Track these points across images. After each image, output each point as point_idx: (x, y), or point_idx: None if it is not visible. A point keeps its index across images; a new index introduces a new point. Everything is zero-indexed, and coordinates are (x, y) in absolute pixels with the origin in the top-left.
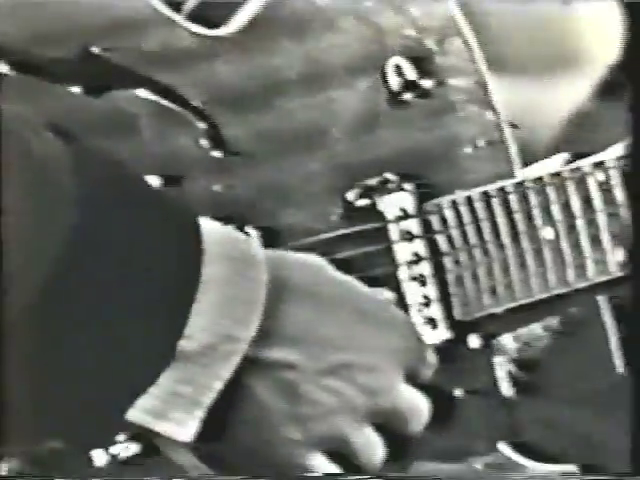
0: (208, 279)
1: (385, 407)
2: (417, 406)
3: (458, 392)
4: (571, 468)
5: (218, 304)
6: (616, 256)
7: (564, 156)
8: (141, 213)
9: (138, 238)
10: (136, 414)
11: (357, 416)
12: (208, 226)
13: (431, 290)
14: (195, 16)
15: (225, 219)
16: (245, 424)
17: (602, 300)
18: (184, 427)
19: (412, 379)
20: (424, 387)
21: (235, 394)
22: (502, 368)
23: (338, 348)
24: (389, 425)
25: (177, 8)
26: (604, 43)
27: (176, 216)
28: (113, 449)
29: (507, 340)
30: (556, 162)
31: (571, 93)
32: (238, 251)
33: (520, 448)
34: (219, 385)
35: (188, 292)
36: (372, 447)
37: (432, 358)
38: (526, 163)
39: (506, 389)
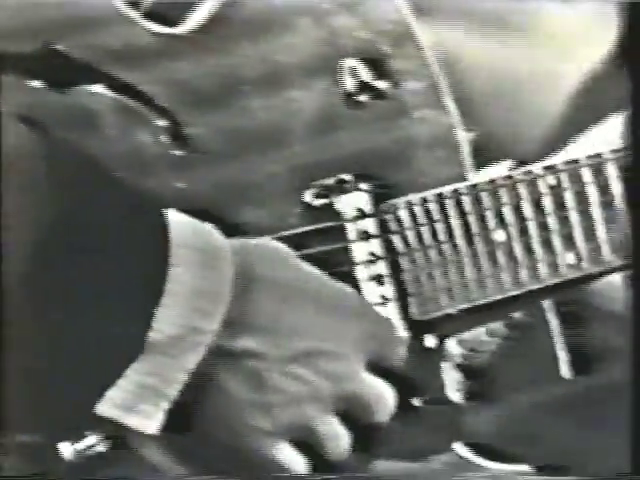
0: (175, 271)
1: (349, 394)
2: (382, 395)
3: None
4: (525, 468)
5: (185, 296)
6: (567, 259)
7: (508, 164)
8: (110, 205)
9: (107, 231)
10: (105, 408)
11: (323, 404)
12: (174, 218)
13: (388, 290)
14: (152, 14)
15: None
16: (213, 415)
17: (548, 305)
18: (151, 420)
19: (378, 368)
20: (389, 376)
21: (202, 385)
22: (448, 374)
23: (302, 336)
24: (354, 414)
25: (135, 5)
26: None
27: (144, 208)
28: (82, 444)
29: (452, 346)
30: (503, 167)
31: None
32: (204, 243)
33: (475, 448)
34: (184, 377)
35: (157, 284)
36: (338, 437)
37: (402, 348)
38: (479, 165)
39: (453, 395)
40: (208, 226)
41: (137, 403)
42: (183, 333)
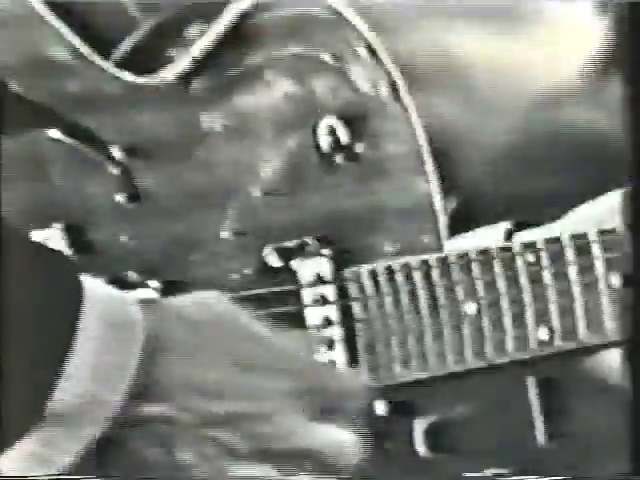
0: (83, 340)
1: (293, 449)
2: (340, 442)
3: None
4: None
5: (89, 367)
6: (540, 334)
7: (506, 225)
8: (23, 268)
9: (17, 293)
10: None
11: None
12: (90, 285)
13: (339, 355)
14: (124, 63)
15: (131, 271)
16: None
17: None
18: None
19: (335, 417)
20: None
21: (104, 453)
22: (420, 429)
23: (220, 398)
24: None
25: (106, 53)
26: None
27: (58, 273)
28: None
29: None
30: (498, 231)
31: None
32: (116, 313)
33: None
34: (79, 447)
35: (64, 351)
36: None
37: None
38: (464, 228)
39: (423, 451)
40: (123, 295)
41: (24, 472)
42: (84, 404)
